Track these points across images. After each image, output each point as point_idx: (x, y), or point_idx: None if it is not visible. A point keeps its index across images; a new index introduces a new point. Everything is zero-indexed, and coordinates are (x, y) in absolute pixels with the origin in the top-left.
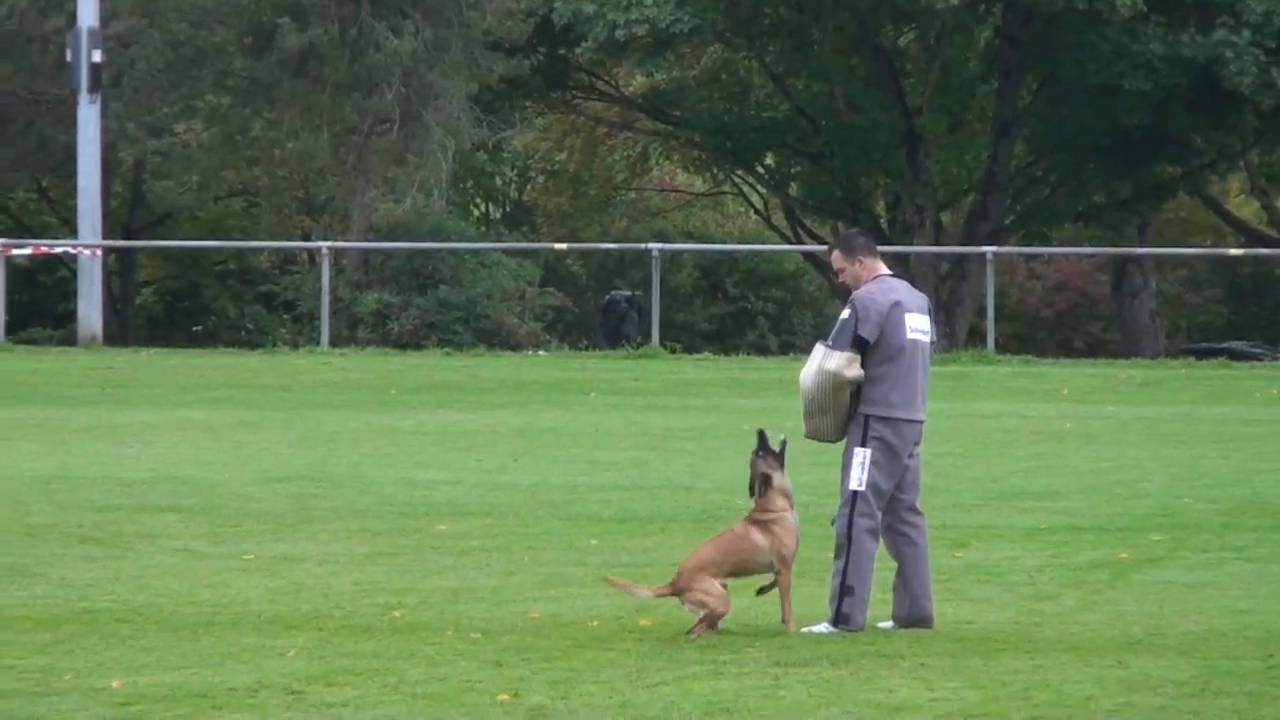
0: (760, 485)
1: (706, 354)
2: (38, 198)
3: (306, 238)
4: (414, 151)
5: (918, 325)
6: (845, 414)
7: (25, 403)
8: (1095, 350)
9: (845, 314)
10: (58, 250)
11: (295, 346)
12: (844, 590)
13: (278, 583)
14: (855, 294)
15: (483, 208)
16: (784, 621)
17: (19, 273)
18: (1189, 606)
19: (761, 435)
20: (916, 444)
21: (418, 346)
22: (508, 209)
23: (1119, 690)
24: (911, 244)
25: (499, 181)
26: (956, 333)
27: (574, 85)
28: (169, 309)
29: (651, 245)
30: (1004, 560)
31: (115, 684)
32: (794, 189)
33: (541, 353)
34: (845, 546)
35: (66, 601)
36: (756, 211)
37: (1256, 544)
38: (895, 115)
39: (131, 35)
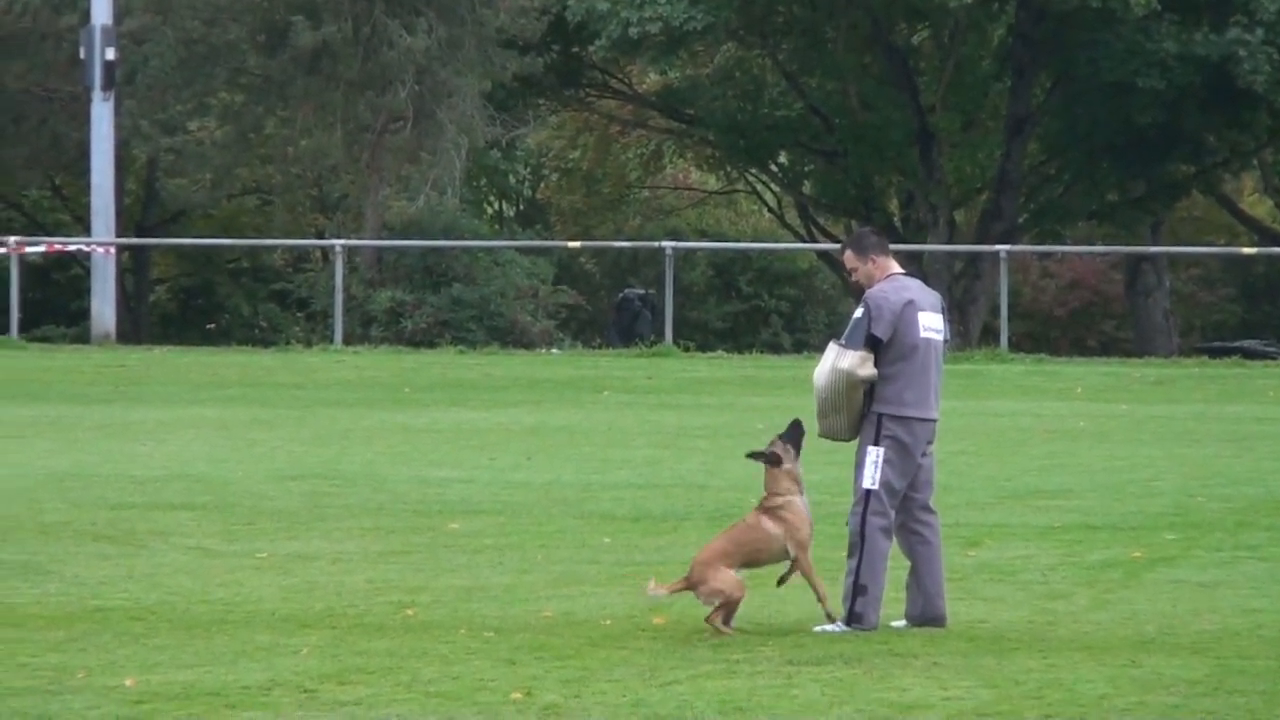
0: (767, 459)
1: (720, 352)
2: (51, 195)
3: (320, 236)
4: (427, 149)
5: (931, 324)
6: (859, 413)
7: (39, 400)
8: (1109, 349)
9: (858, 313)
10: (71, 248)
11: (309, 344)
12: (857, 589)
13: (291, 581)
14: (868, 293)
15: (496, 206)
16: (820, 601)
17: (33, 270)
18: (1202, 605)
19: (796, 424)
20: (930, 442)
21: (431, 344)
22: (521, 207)
23: (1132, 689)
24: (925, 242)
25: (512, 179)
26: (970, 331)
27: (587, 83)
28: (182, 307)
29: (665, 243)
30: (1017, 559)
31: (128, 682)
32: (807, 187)
33: (555, 351)
34: (859, 545)
35: (80, 599)
36: (770, 210)
37: (1270, 543)
38: (909, 114)
39: (145, 33)
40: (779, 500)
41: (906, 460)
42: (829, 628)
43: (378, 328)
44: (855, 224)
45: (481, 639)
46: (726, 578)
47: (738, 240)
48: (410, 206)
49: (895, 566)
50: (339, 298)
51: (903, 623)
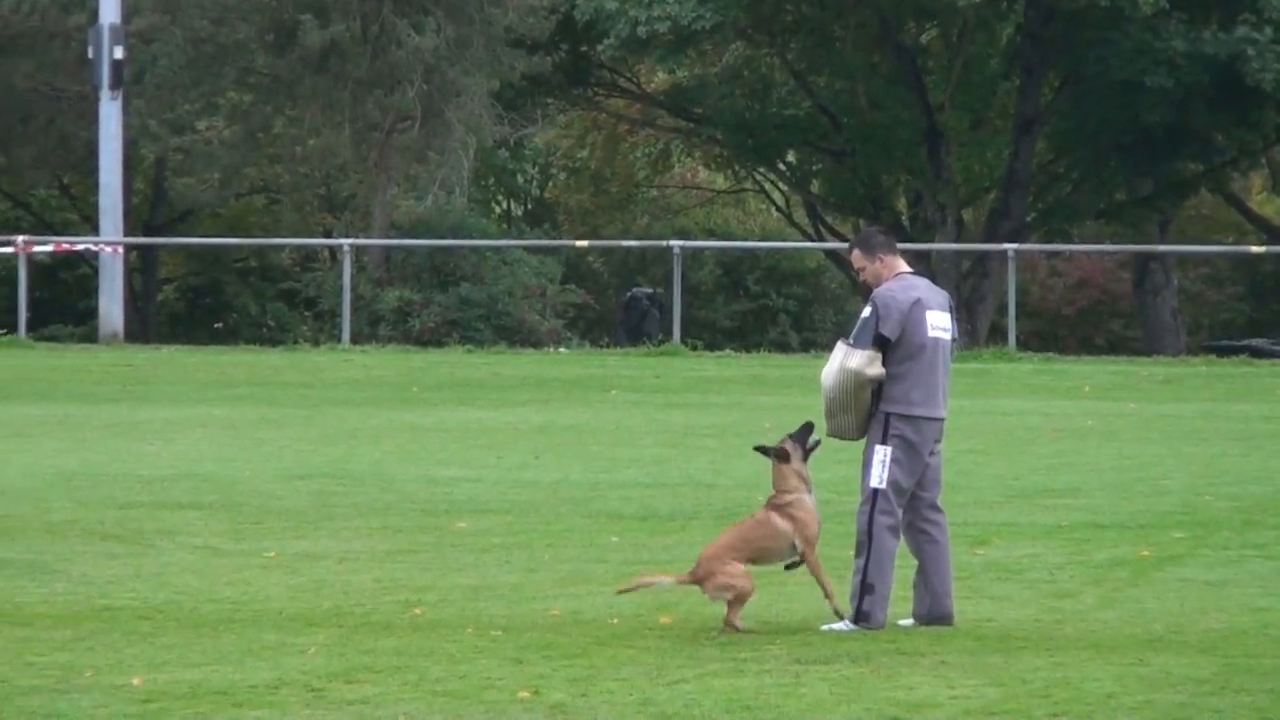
0: (775, 454)
1: (728, 351)
2: (59, 195)
3: (328, 235)
4: (435, 149)
5: (939, 323)
6: (867, 412)
7: (47, 400)
8: (1116, 348)
9: (866, 312)
10: (79, 247)
11: (316, 344)
12: (865, 588)
13: (298, 580)
14: (876, 292)
15: (504, 205)
16: (827, 598)
17: (41, 270)
18: (1210, 604)
19: (807, 425)
20: (937, 441)
21: (439, 344)
22: (529, 206)
23: (1140, 688)
24: (933, 241)
25: (520, 179)
26: (978, 330)
27: (596, 82)
28: (190, 306)
29: (673, 242)
30: (1025, 558)
31: (136, 681)
32: (815, 186)
33: (563, 350)
34: (866, 544)
35: (87, 598)
36: (778, 209)
37: (1277, 541)
38: (917, 113)
39: (153, 32)
40: (788, 498)
41: (914, 459)
42: (836, 626)
43: (385, 327)
44: (863, 223)
45: (489, 638)
46: (735, 571)
47: (745, 239)
48: (418, 206)
49: (903, 565)
50: (347, 297)
51: (910, 621)
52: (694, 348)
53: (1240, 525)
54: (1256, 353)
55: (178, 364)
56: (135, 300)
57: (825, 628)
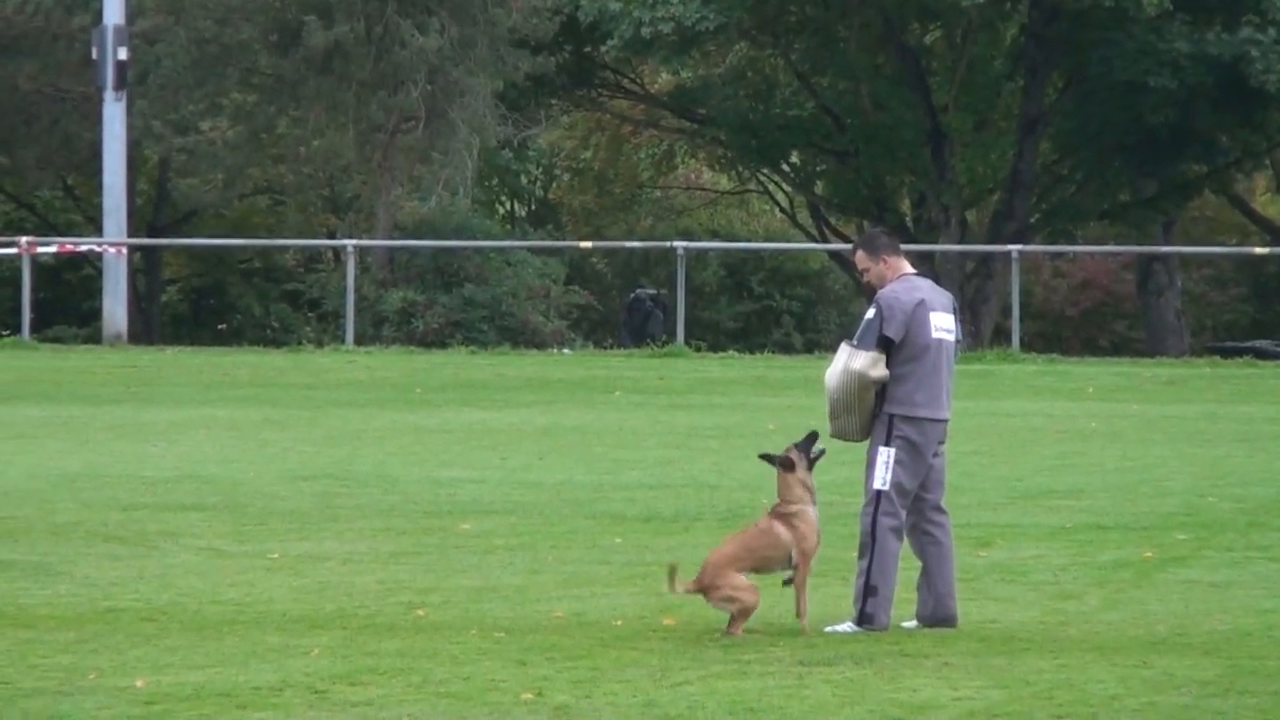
0: (780, 463)
1: (731, 352)
2: (63, 195)
3: (332, 236)
4: (439, 149)
5: (942, 324)
6: (870, 413)
7: (50, 401)
8: (1120, 349)
9: (870, 313)
10: (83, 248)
11: (320, 345)
12: (868, 590)
13: (302, 581)
14: (880, 293)
15: (508, 206)
16: (798, 615)
17: (44, 271)
18: (1213, 606)
19: (812, 435)
20: (941, 443)
21: (443, 345)
22: (533, 207)
23: (1143, 690)
24: (937, 242)
25: (524, 179)
26: (981, 331)
27: (599, 83)
28: (194, 307)
29: (676, 244)
30: (1028, 559)
31: (139, 683)
32: (819, 187)
33: (566, 351)
34: (869, 546)
35: (91, 600)
36: (782, 210)
37: None
38: (921, 113)
39: (157, 33)
40: (793, 508)
41: (918, 461)
42: (840, 628)
43: (389, 328)
44: (867, 224)
45: (492, 639)
46: (739, 583)
47: (749, 240)
48: (422, 206)
49: (906, 567)
50: (350, 298)
51: (914, 623)
52: (698, 349)
53: (1244, 527)
54: (1260, 354)
55: (181, 365)
56: (139, 301)
57: (829, 629)
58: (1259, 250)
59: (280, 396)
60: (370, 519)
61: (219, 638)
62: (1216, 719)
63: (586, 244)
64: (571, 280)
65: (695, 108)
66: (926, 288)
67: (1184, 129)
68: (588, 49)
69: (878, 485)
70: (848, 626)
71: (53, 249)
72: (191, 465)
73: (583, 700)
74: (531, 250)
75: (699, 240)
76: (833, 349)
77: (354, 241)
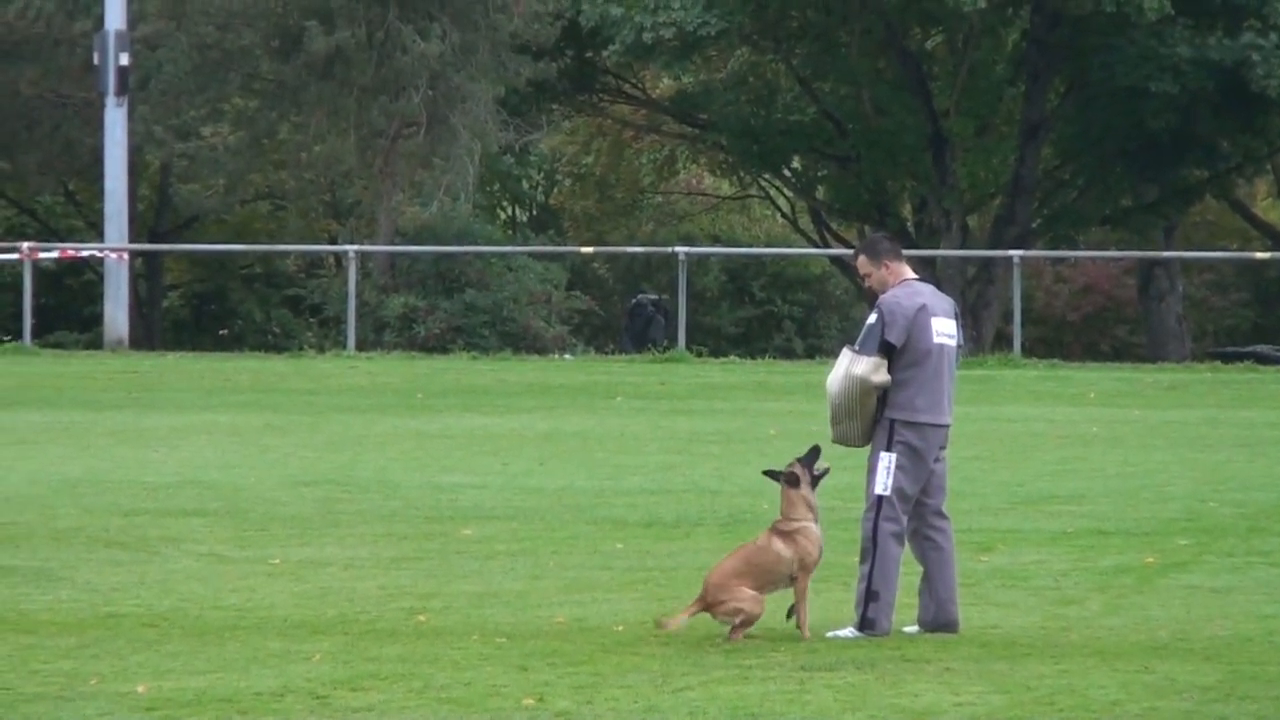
0: (785, 480)
1: (733, 357)
2: (64, 201)
3: (333, 241)
4: (440, 155)
5: (944, 329)
6: (872, 419)
7: (52, 406)
8: (1121, 354)
9: (872, 319)
10: (84, 254)
11: (321, 350)
12: (869, 595)
13: (303, 587)
14: (881, 299)
15: (509, 211)
16: (799, 627)
17: (46, 276)
18: (1215, 611)
19: (815, 449)
20: (942, 448)
21: (444, 350)
22: (534, 212)
23: (1145, 695)
24: (938, 247)
25: (525, 185)
26: (983, 336)
27: (601, 88)
28: (195, 312)
29: (678, 249)
30: (1030, 564)
31: (140, 689)
32: (820, 192)
33: (568, 356)
34: (871, 551)
35: (92, 606)
36: (783, 215)
37: None
38: (922, 118)
39: (158, 38)
40: (794, 525)
41: (919, 466)
42: (841, 633)
43: (390, 333)
44: (868, 229)
45: (494, 645)
46: (743, 595)
47: (751, 245)
48: (423, 212)
49: (908, 572)
50: (352, 303)
51: (915, 628)
52: (699, 354)
53: (1245, 532)
54: (1261, 359)
55: (183, 370)
56: (140, 307)
57: (830, 634)
58: (1260, 255)
59: (282, 402)
60: (372, 524)
61: (220, 643)
62: None
63: (588, 249)
64: (573, 285)
65: (697, 113)
66: (928, 293)
67: (1185, 134)
68: (589, 54)
69: (879, 490)
70: (849, 631)
71: (54, 254)
72: (193, 470)
73: (584, 706)
74: (533, 255)
75: (700, 245)
76: (834, 354)
77: (355, 247)
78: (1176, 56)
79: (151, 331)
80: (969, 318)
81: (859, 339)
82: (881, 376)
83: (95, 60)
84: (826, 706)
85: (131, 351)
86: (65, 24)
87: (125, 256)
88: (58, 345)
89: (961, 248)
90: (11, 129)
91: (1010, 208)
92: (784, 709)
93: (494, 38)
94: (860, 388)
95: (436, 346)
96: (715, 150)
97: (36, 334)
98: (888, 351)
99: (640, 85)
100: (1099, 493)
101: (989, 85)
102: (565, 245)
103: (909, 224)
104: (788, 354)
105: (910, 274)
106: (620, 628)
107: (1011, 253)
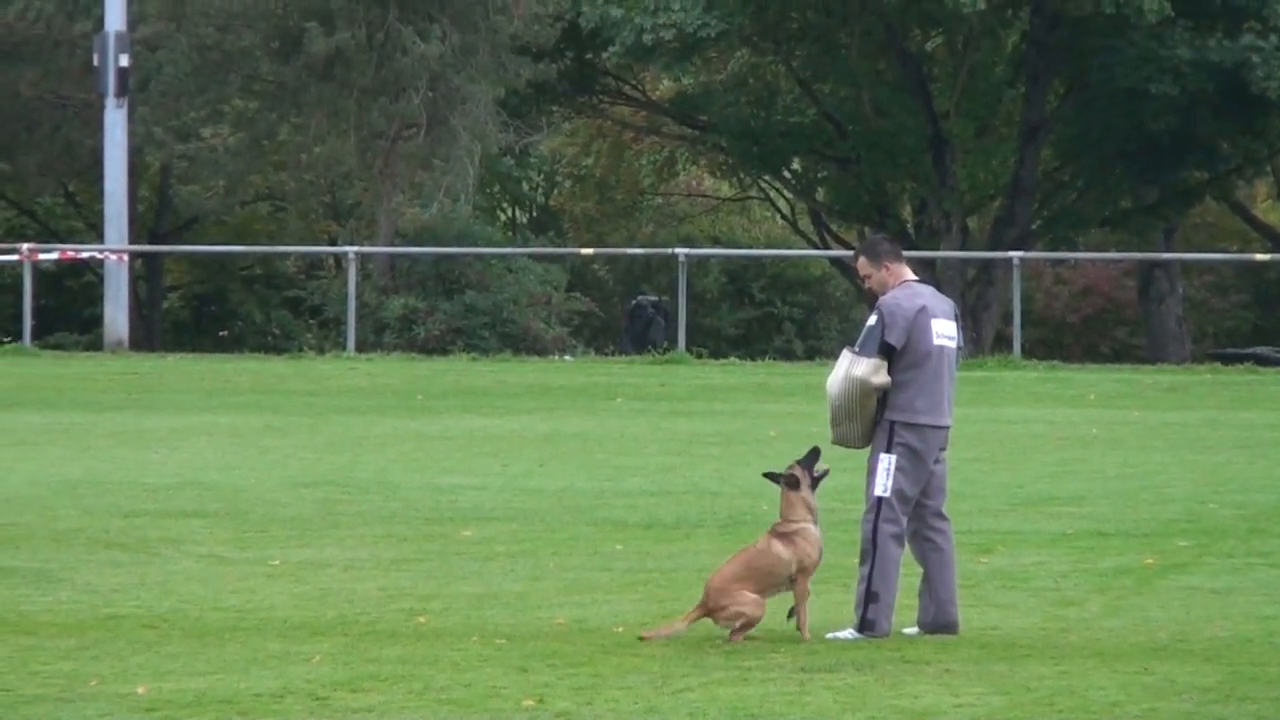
0: (785, 482)
1: (733, 359)
2: (64, 202)
3: (333, 243)
4: (441, 156)
5: (944, 331)
6: (872, 420)
7: (52, 408)
8: (1121, 355)
9: (872, 320)
10: (84, 255)
11: (321, 351)
12: (869, 596)
13: (303, 588)
14: (882, 300)
15: (509, 212)
16: (798, 628)
17: (46, 278)
18: (1214, 612)
19: (814, 451)
20: (943, 449)
21: (444, 351)
22: (534, 214)
23: (1144, 696)
24: (938, 249)
25: (525, 186)
26: (983, 338)
27: (601, 90)
28: (195, 314)
29: (678, 250)
30: (1029, 565)
31: (140, 690)
32: (820, 194)
33: (568, 358)
34: (870, 552)
35: (92, 607)
36: (783, 216)
37: None
38: (922, 120)
39: (158, 39)
40: (794, 526)
41: (919, 467)
42: (841, 635)
43: (390, 335)
44: (868, 230)
45: (494, 646)
46: (745, 598)
47: (751, 247)
48: (423, 213)
49: (908, 573)
50: (352, 305)
51: (915, 629)
52: (699, 355)
53: (1245, 533)
54: (1261, 360)
55: (183, 372)
56: (140, 308)
57: (830, 636)
58: (1260, 257)
59: (281, 403)
60: (371, 526)
61: (220, 644)
62: None
63: (588, 251)
64: (573, 287)
65: (696, 114)
66: (928, 294)
67: (1185, 136)
68: (589, 56)
69: (879, 492)
70: (849, 633)
71: (54, 256)
72: (193, 472)
73: (584, 707)
74: (533, 257)
75: (700, 247)
76: (834, 356)
77: (355, 248)
78: (1176, 58)
79: (151, 333)
80: (969, 319)
81: (859, 340)
82: (881, 378)
83: (95, 61)
84: (826, 708)
85: (131, 353)
86: (65, 25)
87: (125, 258)
88: (58, 346)
89: (961, 249)
90: (11, 130)
91: (1010, 209)
92: (784, 710)
93: (494, 39)
94: (860, 389)
95: (436, 348)
96: (715, 152)
97: (36, 335)
98: (888, 353)
99: (640, 87)
100: (1099, 494)
101: (989, 87)
102: (565, 247)
103: (909, 225)
104: (788, 355)
105: (910, 275)
106: (620, 629)
107: (1011, 254)
